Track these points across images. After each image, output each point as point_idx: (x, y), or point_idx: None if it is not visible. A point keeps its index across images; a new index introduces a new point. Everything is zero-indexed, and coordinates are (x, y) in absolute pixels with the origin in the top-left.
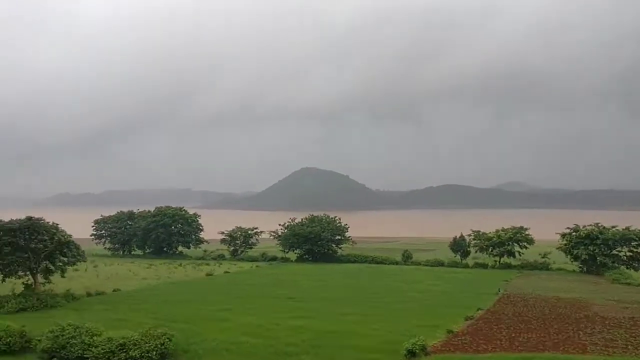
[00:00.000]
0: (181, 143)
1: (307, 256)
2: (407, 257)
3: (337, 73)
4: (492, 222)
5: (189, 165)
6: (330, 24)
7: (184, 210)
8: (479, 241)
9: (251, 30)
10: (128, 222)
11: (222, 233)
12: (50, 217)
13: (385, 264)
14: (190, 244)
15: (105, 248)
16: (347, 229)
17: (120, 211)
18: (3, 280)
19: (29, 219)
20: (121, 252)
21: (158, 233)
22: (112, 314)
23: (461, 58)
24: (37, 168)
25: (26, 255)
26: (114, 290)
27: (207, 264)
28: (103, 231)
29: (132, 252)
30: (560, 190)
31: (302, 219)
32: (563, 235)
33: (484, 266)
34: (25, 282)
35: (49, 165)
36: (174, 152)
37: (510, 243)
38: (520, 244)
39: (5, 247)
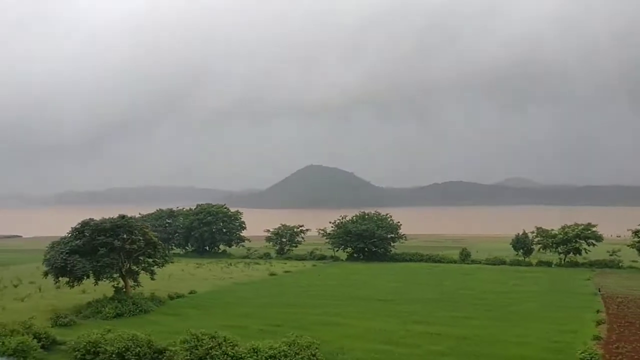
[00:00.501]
0: (184, 140)
1: (358, 255)
2: (465, 256)
3: (343, 69)
4: (504, 219)
5: (192, 162)
6: (338, 18)
7: (226, 207)
8: (542, 238)
9: (257, 26)
10: (167, 220)
11: (268, 231)
12: (56, 216)
13: (443, 262)
14: (232, 242)
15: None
16: (399, 226)
17: (159, 209)
18: (95, 283)
19: (122, 217)
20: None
21: (202, 231)
22: (216, 319)
23: (469, 53)
24: (39, 166)
25: (118, 256)
26: (190, 292)
27: (257, 263)
28: None
29: (170, 251)
30: (565, 186)
31: (352, 217)
32: (635, 232)
33: (548, 264)
34: (116, 285)
35: (51, 164)
36: (177, 149)
37: (577, 240)
38: (588, 241)
39: (100, 248)
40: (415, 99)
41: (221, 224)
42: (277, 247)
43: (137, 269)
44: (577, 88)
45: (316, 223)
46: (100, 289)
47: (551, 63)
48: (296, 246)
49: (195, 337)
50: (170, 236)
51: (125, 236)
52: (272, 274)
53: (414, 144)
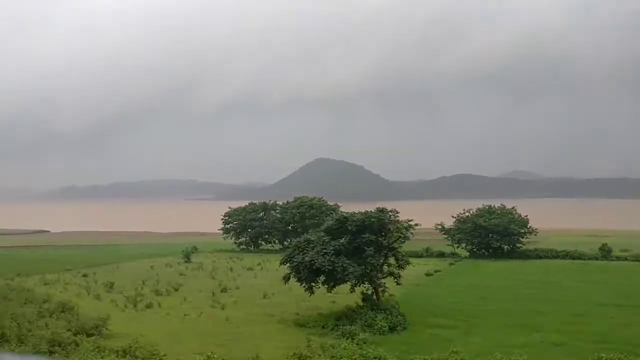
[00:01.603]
0: (186, 133)
1: (482, 251)
2: (607, 252)
3: (351, 59)
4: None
5: (197, 156)
6: (343, 10)
7: (325, 201)
8: None
9: (261, 18)
10: (262, 214)
11: None
12: (63, 210)
13: (583, 259)
14: None
15: (235, 243)
16: (528, 220)
17: (251, 202)
18: (352, 290)
19: (381, 210)
20: (252, 247)
21: (304, 225)
22: (502, 335)
23: (477, 44)
24: (41, 159)
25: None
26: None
27: None
28: (230, 224)
29: (261, 247)
30: (571, 179)
31: (475, 210)
32: None
33: None
34: (365, 291)
35: (53, 157)
36: (179, 142)
37: None
38: None
39: (367, 248)
40: (423, 91)
41: (325, 218)
42: None
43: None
44: (586, 79)
45: None
46: (329, 296)
47: (560, 54)
48: (404, 242)
49: None
50: (264, 231)
51: (380, 232)
52: (428, 274)
53: (422, 136)
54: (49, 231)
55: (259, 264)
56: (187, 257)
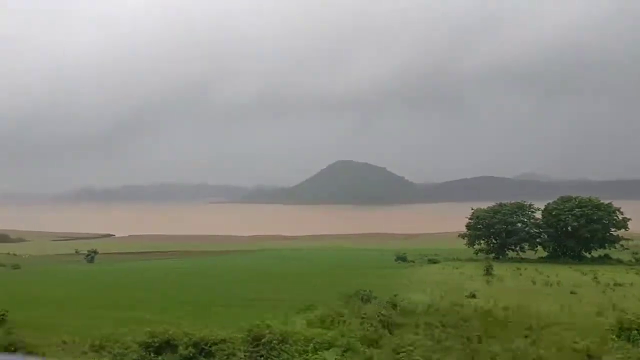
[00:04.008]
0: (204, 136)
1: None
2: None
3: (374, 61)
4: None
5: (213, 159)
6: (369, 8)
7: (597, 199)
8: None
9: (285, 17)
10: (515, 216)
11: None
12: (85, 213)
13: None
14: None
15: (478, 250)
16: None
17: (500, 203)
18: None
19: None
20: (498, 255)
21: (585, 231)
22: None
23: (505, 45)
24: (56, 162)
25: None
26: None
27: None
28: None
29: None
30: (591, 181)
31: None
32: None
33: None
34: None
35: (67, 160)
36: (196, 145)
37: None
38: None
39: None
40: (448, 91)
41: (604, 221)
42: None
43: None
44: (618, 80)
45: (361, 220)
46: None
47: (592, 55)
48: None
49: None
50: (526, 237)
51: None
52: None
53: (446, 138)
54: (114, 235)
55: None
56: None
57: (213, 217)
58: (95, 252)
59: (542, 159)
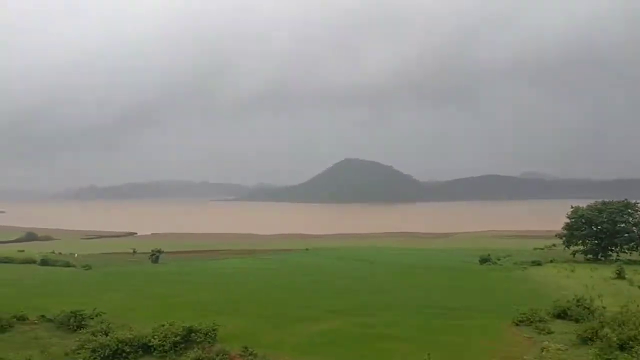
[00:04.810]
0: (207, 132)
1: None
2: None
3: (383, 54)
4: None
5: (217, 155)
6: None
7: None
8: None
9: (290, 10)
10: (623, 215)
11: None
12: (95, 211)
13: None
14: None
15: (574, 251)
16: None
17: (603, 201)
18: None
19: None
20: (598, 256)
21: None
22: None
23: (514, 40)
24: (57, 159)
25: None
26: None
27: None
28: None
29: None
30: (596, 180)
31: None
32: None
33: None
34: None
35: (69, 157)
36: (197, 142)
37: None
38: None
39: None
40: (457, 87)
41: None
42: None
43: None
44: (628, 79)
45: (367, 218)
46: None
47: (603, 51)
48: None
49: None
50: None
51: None
52: None
53: (452, 135)
54: (137, 233)
55: None
56: None
57: (223, 215)
58: (160, 251)
59: (547, 157)
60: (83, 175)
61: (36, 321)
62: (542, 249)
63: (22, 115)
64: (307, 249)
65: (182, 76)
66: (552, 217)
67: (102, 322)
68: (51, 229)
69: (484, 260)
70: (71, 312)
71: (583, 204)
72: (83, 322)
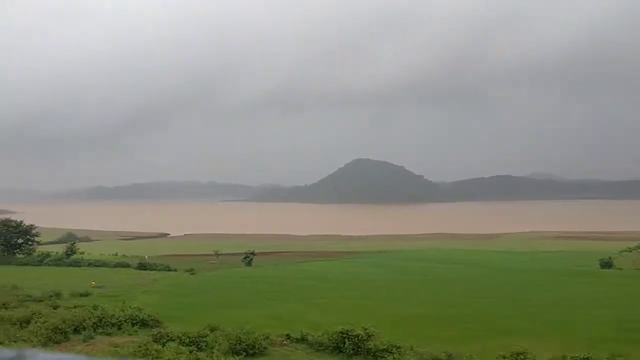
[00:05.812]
0: (216, 133)
1: None
2: None
3: (393, 55)
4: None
5: (225, 156)
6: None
7: None
8: None
9: (297, 6)
10: None
11: None
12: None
13: None
14: None
15: None
16: None
17: None
18: None
19: None
20: None
21: None
22: None
23: (528, 41)
24: (66, 159)
25: None
26: None
27: None
28: None
29: None
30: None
31: None
32: None
33: None
34: None
35: (77, 157)
36: (205, 143)
37: None
38: None
39: None
40: (469, 88)
41: None
42: None
43: None
44: (637, 80)
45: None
46: None
47: (611, 53)
48: None
49: None
50: None
51: None
52: None
53: (463, 136)
54: (169, 234)
55: None
56: None
57: (243, 216)
58: (253, 253)
59: (557, 158)
60: (90, 176)
61: (285, 342)
62: (629, 250)
63: (27, 117)
64: (379, 252)
65: (189, 77)
66: (584, 217)
67: (395, 348)
68: (88, 230)
69: (606, 265)
70: (341, 331)
71: (596, 204)
72: (359, 345)
